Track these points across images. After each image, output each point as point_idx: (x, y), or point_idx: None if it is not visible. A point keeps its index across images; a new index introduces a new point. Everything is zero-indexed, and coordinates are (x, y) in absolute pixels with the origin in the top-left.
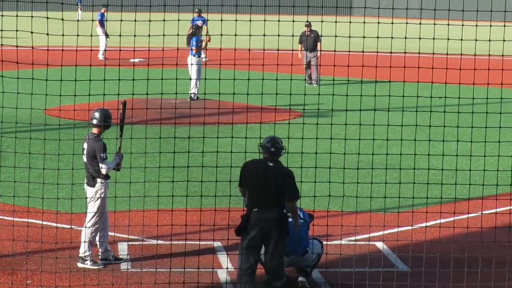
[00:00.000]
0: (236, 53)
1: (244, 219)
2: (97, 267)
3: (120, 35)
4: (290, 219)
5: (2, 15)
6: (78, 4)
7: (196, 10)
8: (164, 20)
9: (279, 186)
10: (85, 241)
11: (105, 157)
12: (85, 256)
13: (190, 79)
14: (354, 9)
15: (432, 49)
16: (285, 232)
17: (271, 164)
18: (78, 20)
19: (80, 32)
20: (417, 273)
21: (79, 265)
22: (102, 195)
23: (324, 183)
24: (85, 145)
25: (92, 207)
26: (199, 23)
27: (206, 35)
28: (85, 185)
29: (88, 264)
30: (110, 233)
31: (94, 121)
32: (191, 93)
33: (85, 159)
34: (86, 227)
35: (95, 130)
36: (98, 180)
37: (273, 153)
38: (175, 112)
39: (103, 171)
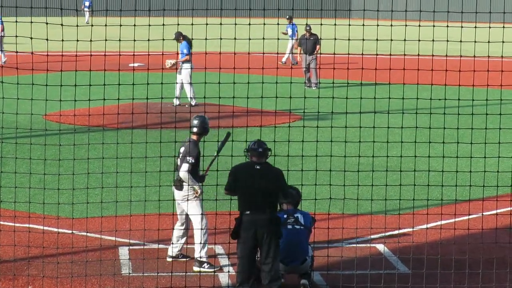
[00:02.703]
0: (236, 56)
1: (237, 222)
2: (213, 269)
3: (119, 40)
4: (296, 226)
5: (2, 21)
6: (86, 8)
7: (287, 17)
8: (163, 25)
9: (269, 188)
10: (200, 242)
11: (191, 161)
12: (201, 258)
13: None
14: (353, 12)
15: (432, 51)
16: (277, 234)
17: (258, 167)
18: (92, 25)
19: (80, 37)
20: (418, 275)
21: (195, 268)
22: (192, 197)
23: (324, 185)
24: (182, 149)
25: (191, 210)
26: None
27: (296, 39)
28: (173, 187)
29: (205, 267)
30: (111, 238)
31: (195, 129)
32: (191, 98)
33: (178, 162)
34: (200, 228)
35: (194, 136)
36: (185, 183)
37: (261, 154)
38: (175, 116)
39: (181, 174)
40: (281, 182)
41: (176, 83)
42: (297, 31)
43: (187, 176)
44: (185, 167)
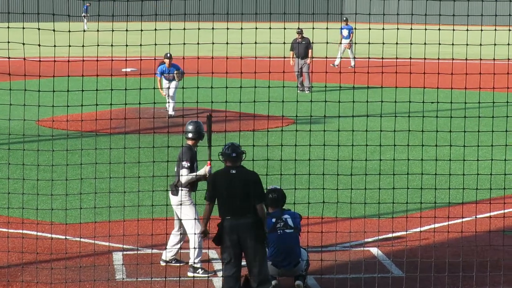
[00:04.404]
0: (228, 61)
1: (219, 227)
2: (207, 275)
3: (111, 45)
4: (287, 230)
5: None
6: (84, 13)
7: (344, 19)
8: (155, 30)
9: (247, 192)
10: (194, 248)
11: (187, 165)
12: (195, 264)
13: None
14: (345, 16)
15: (424, 54)
16: (261, 237)
17: (233, 171)
18: (84, 30)
19: (72, 42)
20: (412, 278)
21: (189, 274)
22: (187, 203)
23: (317, 189)
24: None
25: (185, 216)
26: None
27: (354, 43)
28: (169, 193)
29: (200, 273)
30: (105, 243)
31: (190, 135)
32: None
33: (175, 168)
34: (194, 233)
35: (189, 142)
36: (180, 188)
37: (235, 159)
38: (168, 121)
39: (182, 179)
40: (257, 185)
41: (169, 88)
42: (352, 32)
43: (188, 178)
44: (184, 172)
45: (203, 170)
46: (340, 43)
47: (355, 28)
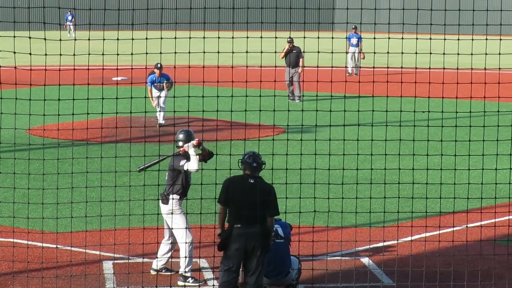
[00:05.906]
0: (219, 70)
1: (225, 234)
2: (198, 284)
3: (103, 54)
4: (277, 240)
5: None
6: (68, 22)
7: (353, 27)
8: (146, 39)
9: (262, 203)
10: (185, 257)
11: (184, 161)
12: (185, 273)
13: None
14: (336, 25)
15: (415, 64)
16: (266, 247)
17: (252, 181)
18: (75, 39)
19: (63, 51)
20: (403, 287)
21: (180, 283)
22: (179, 211)
23: (308, 198)
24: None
25: (176, 224)
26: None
27: (360, 52)
28: (160, 202)
29: (190, 282)
30: (95, 252)
31: (180, 143)
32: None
33: (166, 176)
34: (185, 242)
35: (180, 150)
36: (171, 197)
37: (255, 169)
38: (159, 130)
39: (193, 169)
40: (273, 198)
41: (159, 97)
42: (361, 41)
43: (193, 161)
44: (186, 165)
45: (191, 150)
46: (347, 51)
47: (347, 37)
